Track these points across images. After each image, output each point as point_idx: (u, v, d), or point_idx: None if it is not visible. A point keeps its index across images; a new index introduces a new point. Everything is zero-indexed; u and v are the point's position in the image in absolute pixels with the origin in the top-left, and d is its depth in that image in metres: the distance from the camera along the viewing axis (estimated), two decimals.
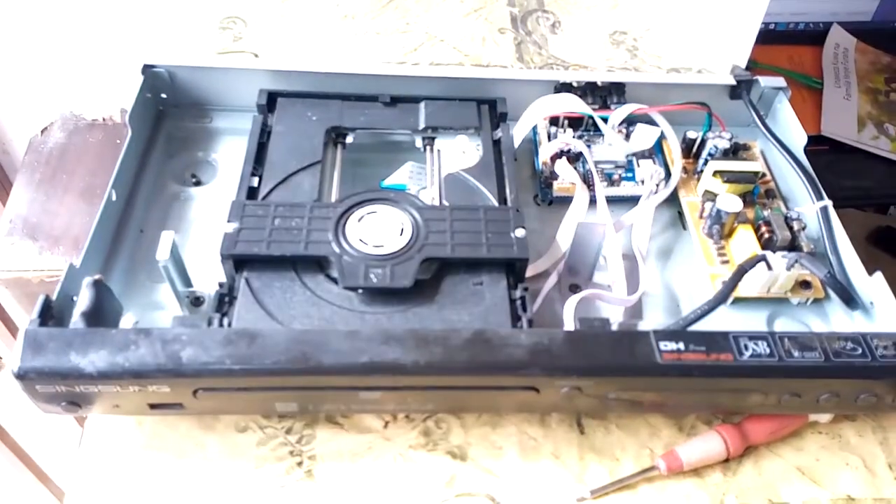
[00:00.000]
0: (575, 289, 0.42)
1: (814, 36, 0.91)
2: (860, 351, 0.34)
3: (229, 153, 0.47)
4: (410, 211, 0.39)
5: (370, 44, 0.57)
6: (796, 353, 0.33)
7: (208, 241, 0.41)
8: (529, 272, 0.41)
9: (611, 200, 0.45)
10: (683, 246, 0.44)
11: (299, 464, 0.35)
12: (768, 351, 0.33)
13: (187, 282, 0.39)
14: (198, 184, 0.46)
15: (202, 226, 0.43)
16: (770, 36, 0.90)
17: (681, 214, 0.46)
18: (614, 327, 0.39)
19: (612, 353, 0.33)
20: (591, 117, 0.46)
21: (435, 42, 0.58)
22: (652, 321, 0.41)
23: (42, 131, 1.09)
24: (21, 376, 0.31)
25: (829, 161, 0.77)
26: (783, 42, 0.90)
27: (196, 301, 0.39)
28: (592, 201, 0.44)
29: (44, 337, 0.31)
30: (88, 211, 0.99)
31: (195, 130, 0.48)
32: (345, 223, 0.38)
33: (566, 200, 0.45)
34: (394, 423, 0.37)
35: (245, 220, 0.38)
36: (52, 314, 0.33)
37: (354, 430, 0.36)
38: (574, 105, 0.45)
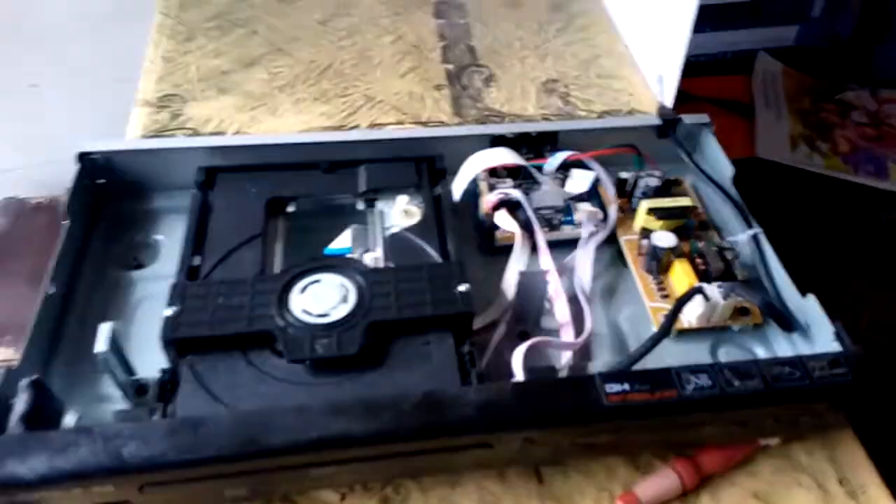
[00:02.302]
0: (524, 336, 0.42)
1: (741, 64, 0.95)
2: (798, 374, 0.35)
3: (172, 233, 0.47)
4: (354, 276, 0.40)
5: (310, 110, 0.58)
6: (737, 383, 0.34)
7: (153, 325, 0.40)
8: (478, 323, 0.42)
9: (553, 244, 0.46)
10: (626, 283, 0.45)
11: None
12: (710, 383, 0.34)
13: (130, 371, 0.38)
14: (139, 266, 0.46)
15: (146, 310, 0.43)
16: (700, 68, 0.94)
17: (620, 253, 0.47)
18: (563, 372, 0.39)
19: (560, 401, 0.33)
20: (527, 169, 0.48)
21: (374, 103, 0.59)
22: (601, 361, 0.41)
23: None
24: None
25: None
26: (713, 73, 0.94)
27: (141, 389, 0.38)
28: (535, 247, 0.45)
29: None
30: (36, 297, 0.97)
31: (135, 213, 0.48)
32: (288, 295, 0.38)
33: (510, 249, 0.46)
34: (351, 495, 0.36)
35: (186, 301, 0.38)
36: None
37: None
38: (508, 157, 0.46)
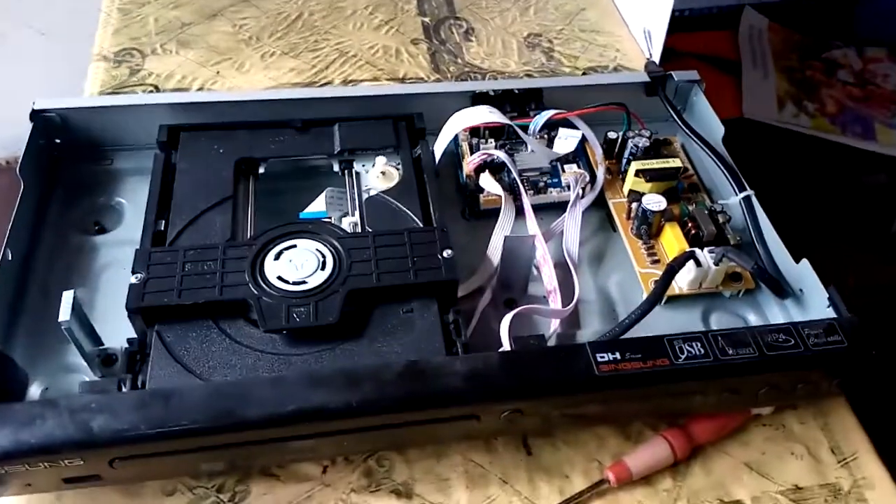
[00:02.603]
0: (510, 303, 0.41)
1: (727, 19, 0.93)
2: (793, 342, 0.34)
3: (135, 196, 0.44)
4: (331, 241, 0.38)
5: (278, 65, 0.55)
6: (731, 351, 0.33)
7: (118, 292, 0.38)
8: (462, 291, 0.40)
9: (539, 208, 0.44)
10: (614, 248, 0.44)
11: None
12: (703, 351, 0.33)
13: (96, 340, 0.36)
14: (102, 231, 0.43)
15: (111, 276, 0.41)
16: (685, 23, 0.92)
17: (609, 216, 0.45)
18: (551, 341, 0.38)
19: (550, 371, 0.32)
20: (511, 127, 0.46)
21: (346, 58, 0.56)
22: (589, 329, 0.40)
23: None
24: None
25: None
26: (698, 28, 0.92)
27: (108, 360, 0.36)
28: (521, 211, 0.44)
29: None
30: None
31: (95, 174, 0.45)
32: (262, 262, 0.36)
33: (494, 213, 0.44)
34: (333, 468, 0.35)
35: (152, 268, 0.35)
36: None
37: (291, 480, 0.34)
38: (492, 116, 0.44)
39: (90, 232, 0.43)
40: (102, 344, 0.36)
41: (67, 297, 0.33)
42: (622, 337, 0.36)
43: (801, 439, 0.37)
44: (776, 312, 0.41)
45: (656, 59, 0.57)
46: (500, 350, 0.34)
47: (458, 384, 0.31)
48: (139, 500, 0.33)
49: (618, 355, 0.32)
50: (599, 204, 0.46)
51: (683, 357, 0.33)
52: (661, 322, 0.40)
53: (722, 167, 0.45)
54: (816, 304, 0.38)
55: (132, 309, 0.34)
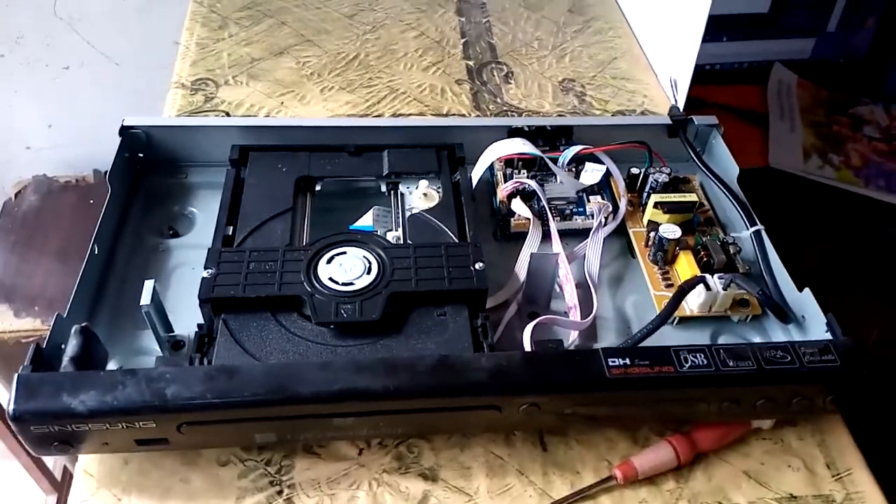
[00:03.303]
0: (534, 316, 0.45)
1: (757, 75, 0.97)
2: (789, 358, 0.37)
3: (205, 206, 0.50)
4: (377, 250, 0.42)
5: (335, 98, 0.61)
6: (731, 363, 0.37)
7: (186, 289, 0.43)
8: (491, 303, 0.44)
9: (564, 233, 0.49)
10: (633, 273, 0.48)
11: (279, 492, 0.37)
12: (706, 362, 0.37)
13: (168, 327, 0.41)
14: (175, 235, 0.49)
15: (180, 275, 0.46)
16: (715, 76, 0.96)
17: (629, 244, 0.49)
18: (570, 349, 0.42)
19: (565, 371, 0.36)
20: (542, 158, 0.50)
21: (397, 95, 0.62)
22: (605, 342, 0.44)
23: (16, 195, 1.11)
24: (16, 418, 0.33)
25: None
26: (729, 82, 0.97)
27: (177, 345, 0.41)
28: (547, 235, 0.48)
29: (36, 381, 0.34)
30: (63, 271, 1.00)
31: (171, 186, 0.51)
32: (316, 264, 0.41)
33: (523, 235, 0.48)
34: (368, 450, 0.39)
35: (221, 265, 0.40)
36: (42, 361, 0.35)
37: (331, 459, 0.38)
38: (524, 147, 0.49)
39: (165, 235, 0.48)
40: (173, 331, 0.42)
41: (148, 284, 0.39)
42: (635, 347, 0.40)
43: (799, 454, 0.40)
44: (780, 337, 0.44)
45: (680, 105, 0.61)
46: (523, 350, 0.38)
47: (483, 378, 0.35)
48: (196, 467, 0.38)
49: (627, 360, 0.36)
50: (621, 232, 0.50)
51: (687, 366, 0.36)
52: (672, 340, 0.44)
53: (735, 203, 0.49)
54: (817, 329, 0.41)
55: (203, 299, 0.39)
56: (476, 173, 0.49)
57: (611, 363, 0.36)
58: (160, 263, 0.47)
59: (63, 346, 0.37)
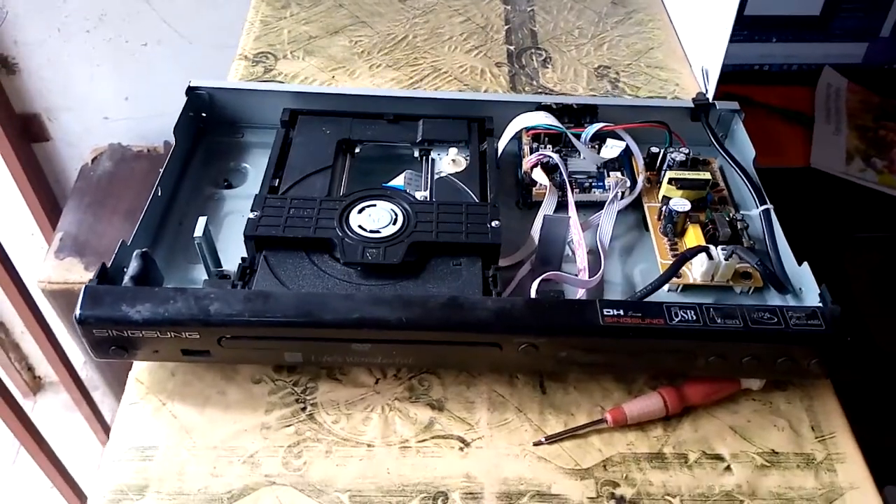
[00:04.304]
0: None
1: (806, 77, 0.98)
2: (776, 320, 0.40)
3: (257, 163, 0.55)
4: (403, 205, 0.47)
5: (382, 75, 0.66)
6: (719, 320, 0.40)
7: (236, 233, 0.48)
8: (506, 262, 0.48)
9: (583, 205, 0.52)
10: (644, 244, 0.51)
11: (303, 409, 0.42)
12: (695, 318, 0.40)
13: (217, 262, 0.47)
14: (229, 187, 0.54)
15: (231, 221, 0.51)
16: (764, 76, 0.97)
17: (644, 218, 0.52)
18: None
19: (563, 316, 0.40)
20: (565, 134, 0.54)
21: (439, 73, 0.66)
22: None
23: (92, 160, 1.20)
24: (81, 321, 0.38)
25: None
26: (777, 83, 0.97)
27: (223, 276, 0.46)
28: (565, 205, 0.51)
29: (101, 292, 0.39)
30: (131, 231, 1.09)
31: (229, 144, 0.57)
32: (348, 213, 0.46)
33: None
34: (384, 380, 0.43)
35: (265, 209, 0.46)
36: (107, 277, 0.41)
37: (350, 384, 0.43)
38: (547, 120, 0.52)
39: (220, 186, 0.54)
40: (221, 266, 0.47)
41: (201, 220, 0.44)
42: None
43: (785, 415, 0.43)
44: None
45: (710, 95, 0.63)
46: (524, 297, 0.42)
47: (486, 317, 0.39)
48: (233, 383, 0.43)
49: (621, 311, 0.40)
50: (637, 207, 0.53)
51: (677, 320, 0.40)
52: None
53: (747, 182, 0.51)
54: (812, 300, 0.44)
55: (248, 236, 0.44)
56: (501, 143, 0.53)
57: (605, 313, 0.40)
58: (214, 209, 0.52)
59: (125, 269, 0.42)
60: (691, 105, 0.56)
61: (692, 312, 0.40)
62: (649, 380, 0.44)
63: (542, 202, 0.52)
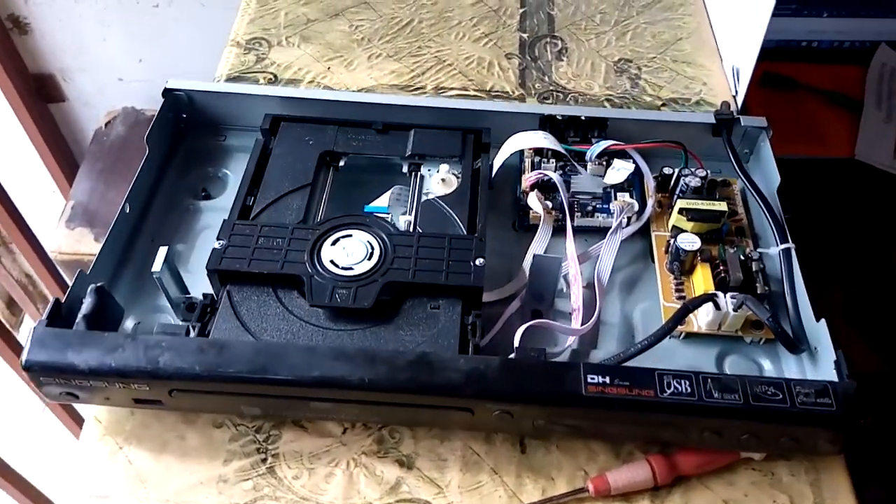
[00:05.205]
0: (537, 315, 0.45)
1: (859, 56, 0.89)
2: (780, 397, 0.35)
3: (238, 169, 0.51)
4: (381, 236, 0.43)
5: (381, 66, 0.61)
6: (716, 394, 0.36)
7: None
8: (495, 296, 0.45)
9: (586, 230, 0.48)
10: (648, 278, 0.47)
11: (263, 460, 0.39)
12: (689, 390, 0.36)
13: (183, 289, 0.44)
14: (207, 197, 0.51)
15: (208, 236, 0.48)
16: (813, 54, 0.89)
17: (651, 250, 0.48)
18: (564, 355, 0.42)
19: (541, 383, 0.36)
20: (567, 156, 0.49)
21: (443, 66, 0.61)
22: (604, 350, 0.43)
23: (106, 124, 1.18)
24: (27, 368, 0.36)
25: None
26: (826, 61, 0.89)
27: (191, 307, 0.43)
28: (562, 230, 0.47)
29: (48, 336, 0.37)
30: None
31: (210, 148, 0.53)
32: (320, 245, 0.42)
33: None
34: (352, 430, 0.41)
35: (233, 237, 0.42)
36: (60, 314, 0.39)
37: (316, 434, 0.40)
38: (545, 142, 0.48)
39: (198, 197, 0.51)
40: (189, 293, 0.44)
41: (161, 252, 0.41)
42: (625, 362, 0.39)
43: (787, 490, 0.39)
44: (791, 365, 0.42)
45: (740, 98, 0.57)
46: (501, 356, 0.38)
47: (457, 379, 0.36)
48: (193, 426, 0.41)
49: (607, 379, 0.36)
50: (646, 234, 0.48)
51: (669, 392, 0.36)
52: (675, 356, 0.43)
53: (768, 216, 0.46)
54: (828, 363, 0.39)
55: (210, 269, 0.41)
56: (496, 164, 0.48)
57: (589, 380, 0.36)
58: (189, 224, 0.49)
59: (84, 299, 0.40)
60: (712, 120, 0.50)
61: (686, 383, 0.36)
62: (640, 443, 0.40)
63: (538, 226, 0.48)
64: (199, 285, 0.44)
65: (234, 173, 0.52)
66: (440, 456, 0.40)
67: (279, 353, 0.37)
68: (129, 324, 0.43)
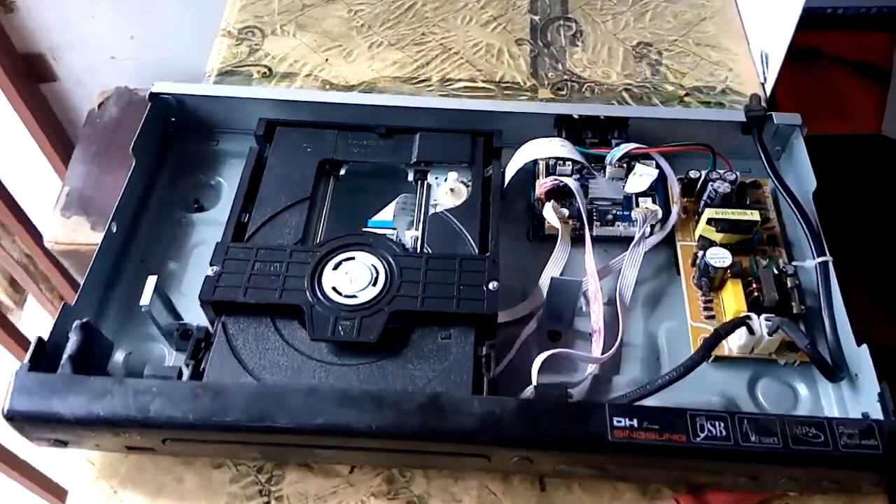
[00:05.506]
0: (554, 336, 0.42)
1: (887, 22, 0.84)
2: (822, 439, 0.33)
3: (232, 177, 0.48)
4: (387, 258, 0.40)
5: (383, 56, 0.57)
6: (753, 438, 0.33)
7: (206, 269, 0.42)
8: (510, 316, 0.42)
9: (605, 239, 0.45)
10: (673, 293, 0.43)
11: (266, 503, 0.37)
12: (724, 434, 0.33)
13: (176, 315, 0.41)
14: (200, 209, 0.48)
15: (203, 252, 0.45)
16: (838, 21, 0.84)
17: (675, 259, 0.44)
18: (585, 384, 0.39)
19: (563, 427, 0.33)
20: (587, 156, 0.45)
21: (449, 55, 0.57)
22: (627, 375, 0.40)
23: (99, 105, 1.14)
24: (9, 418, 0.34)
25: None
26: (852, 27, 0.84)
27: (185, 335, 0.41)
28: (581, 240, 0.44)
29: (31, 382, 0.34)
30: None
31: (201, 153, 0.50)
32: (321, 270, 0.39)
33: (555, 239, 0.44)
34: (360, 470, 0.38)
35: (227, 263, 0.39)
36: (44, 355, 0.36)
37: (321, 474, 0.38)
38: (562, 150, 0.44)
39: (190, 209, 0.47)
40: (182, 319, 0.41)
41: (150, 282, 0.38)
42: (652, 395, 0.37)
43: None
44: (828, 390, 0.39)
45: (769, 86, 0.53)
46: (519, 397, 0.35)
47: (471, 425, 0.33)
48: (191, 468, 0.38)
49: (635, 422, 0.33)
50: (671, 242, 0.45)
51: (702, 436, 0.33)
52: (705, 381, 0.40)
53: (805, 227, 0.42)
54: (869, 393, 0.36)
55: (204, 300, 0.38)
56: (508, 173, 0.45)
57: (615, 423, 0.33)
58: (181, 240, 0.46)
59: (70, 335, 0.37)
60: (742, 118, 0.46)
61: (721, 426, 0.33)
62: (668, 482, 0.38)
63: (555, 236, 0.44)
64: (194, 308, 0.41)
65: (228, 181, 0.49)
66: (454, 496, 0.37)
67: (279, 397, 0.34)
68: (119, 356, 0.41)
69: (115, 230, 0.43)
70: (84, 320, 0.37)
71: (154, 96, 0.48)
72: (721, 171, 0.45)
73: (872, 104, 0.80)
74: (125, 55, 1.13)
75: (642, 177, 0.44)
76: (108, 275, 0.43)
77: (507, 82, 0.55)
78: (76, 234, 1.00)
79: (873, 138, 0.79)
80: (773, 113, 0.46)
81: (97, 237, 0.97)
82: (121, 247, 0.44)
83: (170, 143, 0.49)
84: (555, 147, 0.44)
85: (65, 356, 0.36)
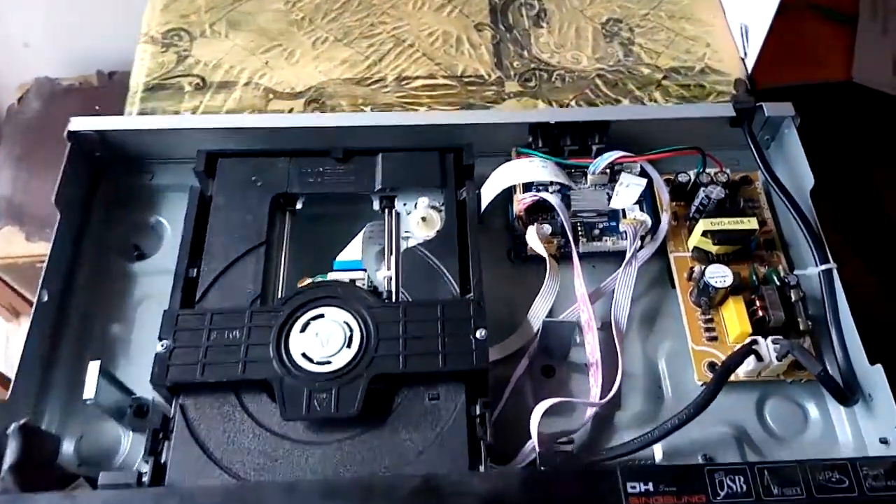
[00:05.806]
0: (549, 371, 0.39)
1: None
2: (846, 483, 0.31)
3: (173, 215, 0.43)
4: (360, 312, 0.36)
5: (330, 55, 0.51)
6: (776, 490, 0.30)
7: (154, 327, 0.37)
8: (499, 354, 0.38)
9: (593, 255, 0.41)
10: (669, 310, 0.40)
11: None
12: (745, 489, 0.30)
13: (127, 391, 0.37)
14: (141, 257, 0.42)
15: (149, 308, 0.40)
16: None
17: (669, 272, 0.41)
18: (587, 426, 0.36)
19: (573, 499, 0.30)
20: (568, 177, 0.41)
21: (403, 48, 0.51)
22: (630, 411, 0.38)
23: (19, 100, 1.04)
24: None
25: None
26: None
27: (139, 411, 0.37)
28: (568, 258, 0.40)
29: None
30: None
31: (135, 189, 0.44)
32: (287, 334, 0.35)
33: (542, 259, 0.41)
34: None
35: (178, 335, 0.35)
36: None
37: None
38: (542, 173, 0.40)
39: (129, 257, 0.42)
40: (133, 394, 0.37)
41: (92, 369, 0.34)
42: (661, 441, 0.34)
43: None
44: (839, 408, 0.37)
45: (750, 61, 0.49)
46: (523, 467, 0.32)
47: None
48: None
49: (651, 486, 0.30)
50: (661, 252, 0.42)
51: (723, 494, 0.30)
52: (711, 409, 0.37)
53: (805, 231, 0.39)
54: (884, 413, 0.34)
55: (157, 384, 0.34)
56: (484, 198, 0.40)
57: (630, 489, 0.30)
58: (123, 295, 0.41)
59: (8, 433, 0.33)
60: (731, 113, 0.43)
61: (741, 480, 0.31)
62: None
63: (538, 257, 0.41)
64: (146, 376, 0.36)
65: (169, 220, 0.43)
66: None
67: (253, 497, 0.30)
68: (69, 445, 0.36)
69: (45, 299, 0.38)
70: (22, 422, 0.32)
71: (72, 135, 0.42)
72: (711, 172, 0.41)
73: (840, 51, 0.77)
74: (40, 41, 1.03)
75: (629, 188, 0.41)
76: (46, 352, 0.38)
77: (470, 76, 0.50)
78: (12, 247, 0.93)
79: (844, 86, 0.76)
80: (763, 104, 0.43)
81: (34, 248, 0.90)
82: (55, 317, 0.39)
83: (97, 180, 0.44)
84: (535, 170, 0.40)
85: (5, 467, 0.32)
